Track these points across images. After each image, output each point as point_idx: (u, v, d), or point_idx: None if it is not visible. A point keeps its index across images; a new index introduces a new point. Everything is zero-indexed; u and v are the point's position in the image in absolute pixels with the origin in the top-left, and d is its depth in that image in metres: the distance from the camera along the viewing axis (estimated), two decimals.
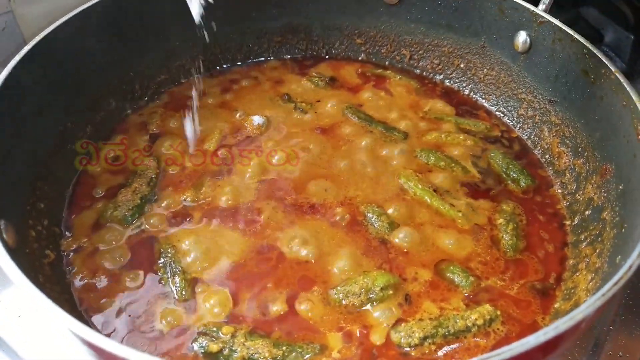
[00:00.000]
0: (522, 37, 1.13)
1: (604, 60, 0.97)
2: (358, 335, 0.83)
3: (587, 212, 0.97)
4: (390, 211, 0.99)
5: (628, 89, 0.91)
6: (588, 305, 0.62)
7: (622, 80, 0.92)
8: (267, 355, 0.78)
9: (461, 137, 1.15)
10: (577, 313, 0.62)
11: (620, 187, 0.90)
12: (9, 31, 1.11)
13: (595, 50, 0.99)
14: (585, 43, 1.01)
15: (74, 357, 0.84)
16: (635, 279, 1.00)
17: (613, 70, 0.95)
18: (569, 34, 1.03)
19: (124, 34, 1.13)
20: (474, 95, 1.27)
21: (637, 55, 1.36)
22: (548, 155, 1.12)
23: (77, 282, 0.88)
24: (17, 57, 0.90)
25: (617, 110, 0.93)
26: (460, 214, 1.00)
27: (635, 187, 0.84)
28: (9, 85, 0.87)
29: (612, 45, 1.39)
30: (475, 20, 1.21)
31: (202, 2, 1.00)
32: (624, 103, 0.91)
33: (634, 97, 0.89)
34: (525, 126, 1.18)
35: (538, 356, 0.67)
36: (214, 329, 0.81)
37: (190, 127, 1.11)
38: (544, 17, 1.08)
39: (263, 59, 1.35)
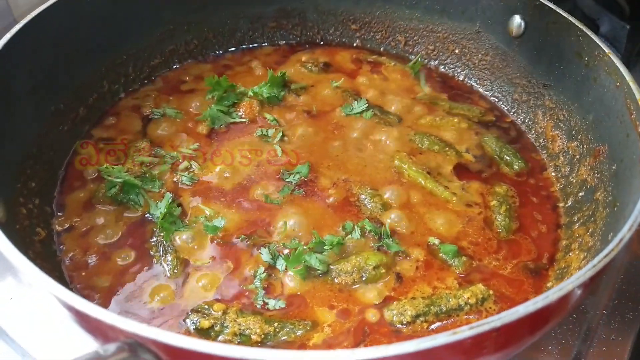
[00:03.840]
0: (516, 21, 1.13)
1: (597, 42, 0.97)
2: (350, 312, 0.82)
3: (580, 194, 0.97)
4: (384, 193, 0.99)
5: (621, 69, 0.91)
6: (578, 277, 0.62)
7: (615, 61, 0.92)
8: (258, 331, 0.78)
9: (455, 121, 1.15)
10: (567, 284, 0.61)
11: (613, 167, 0.90)
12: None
13: (588, 32, 0.99)
14: (578, 25, 1.01)
15: (66, 336, 0.85)
16: (628, 264, 1.02)
17: (606, 51, 0.95)
18: (563, 16, 1.03)
19: (117, 16, 1.12)
20: (468, 81, 1.27)
21: (632, 44, 1.36)
22: (542, 139, 1.12)
23: (68, 260, 0.88)
24: (7, 36, 0.90)
25: (610, 91, 0.93)
26: (454, 196, 1.00)
27: (628, 166, 0.84)
28: None
29: (608, 35, 1.39)
30: (470, 5, 1.21)
31: None
32: (618, 84, 0.91)
33: (627, 77, 0.89)
34: (520, 110, 1.18)
35: (528, 329, 0.66)
36: (206, 306, 0.81)
37: None
38: (537, 0, 1.08)
39: (257, 45, 1.34)
